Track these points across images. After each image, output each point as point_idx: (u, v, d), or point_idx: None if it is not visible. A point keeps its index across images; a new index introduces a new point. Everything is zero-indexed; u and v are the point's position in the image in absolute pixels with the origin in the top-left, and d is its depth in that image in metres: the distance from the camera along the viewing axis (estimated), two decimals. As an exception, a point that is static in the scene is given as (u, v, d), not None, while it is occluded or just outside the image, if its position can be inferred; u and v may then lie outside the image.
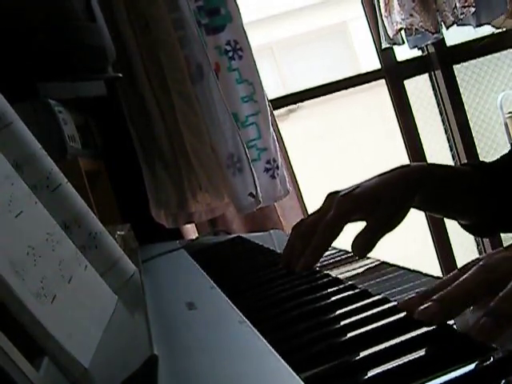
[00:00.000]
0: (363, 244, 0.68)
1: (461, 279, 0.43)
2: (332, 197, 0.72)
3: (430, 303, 0.42)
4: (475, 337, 0.38)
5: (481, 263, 0.43)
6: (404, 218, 0.72)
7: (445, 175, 0.77)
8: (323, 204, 0.73)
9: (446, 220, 0.81)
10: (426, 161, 2.47)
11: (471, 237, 2.54)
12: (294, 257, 0.70)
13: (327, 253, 0.76)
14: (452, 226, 2.38)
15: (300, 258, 0.68)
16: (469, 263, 0.47)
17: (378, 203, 0.70)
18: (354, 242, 0.68)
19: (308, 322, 0.48)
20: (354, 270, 0.67)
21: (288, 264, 0.70)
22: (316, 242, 0.68)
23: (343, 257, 0.76)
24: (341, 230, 0.69)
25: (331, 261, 0.75)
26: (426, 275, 0.59)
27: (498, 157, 0.83)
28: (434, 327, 0.41)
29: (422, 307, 0.41)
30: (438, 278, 0.56)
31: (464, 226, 0.83)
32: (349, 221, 0.70)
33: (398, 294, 0.52)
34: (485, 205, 0.78)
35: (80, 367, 0.40)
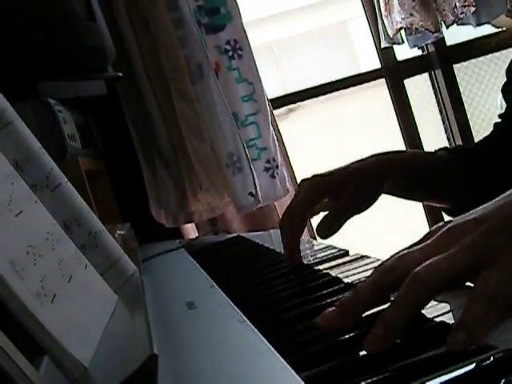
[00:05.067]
0: (326, 227, 0.71)
1: (398, 294, 0.40)
2: (302, 183, 0.75)
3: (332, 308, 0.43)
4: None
5: (414, 271, 0.40)
6: (373, 203, 0.76)
7: (418, 164, 0.80)
8: (296, 191, 0.76)
9: (445, 218, 0.82)
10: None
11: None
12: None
13: (327, 252, 0.76)
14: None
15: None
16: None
17: (345, 189, 0.73)
18: (317, 225, 0.72)
19: (308, 322, 0.48)
20: (354, 269, 0.67)
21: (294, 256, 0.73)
22: (283, 237, 0.72)
23: (343, 256, 0.76)
24: (304, 215, 0.74)
25: (332, 260, 0.75)
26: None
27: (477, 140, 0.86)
28: (435, 325, 0.41)
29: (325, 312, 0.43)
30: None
31: (444, 210, 0.85)
32: (314, 205, 0.74)
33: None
34: (461, 189, 0.80)
35: (80, 366, 0.40)
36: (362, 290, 0.43)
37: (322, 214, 0.77)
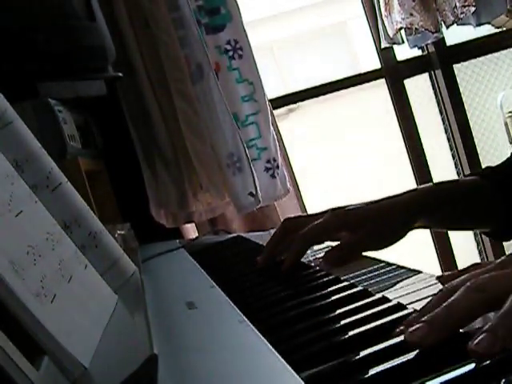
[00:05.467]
0: (332, 259, 0.70)
1: (450, 300, 0.41)
2: (329, 212, 0.74)
3: (420, 325, 0.40)
4: (472, 354, 0.36)
5: (468, 284, 0.42)
6: (397, 240, 0.74)
7: (450, 195, 0.77)
8: (321, 213, 0.76)
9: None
10: (425, 161, 2.47)
11: (471, 237, 2.54)
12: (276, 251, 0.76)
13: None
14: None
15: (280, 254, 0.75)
16: (455, 274, 0.48)
17: (363, 225, 0.72)
18: (325, 254, 0.71)
19: (308, 322, 0.48)
20: (353, 268, 0.67)
21: (269, 256, 0.76)
22: (292, 248, 0.72)
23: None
24: (314, 242, 0.75)
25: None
26: (426, 275, 0.59)
27: (502, 161, 0.84)
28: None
29: (411, 328, 0.40)
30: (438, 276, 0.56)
31: (484, 233, 0.84)
32: (328, 236, 0.74)
33: (398, 293, 0.52)
34: (496, 212, 0.78)
35: (80, 367, 0.40)
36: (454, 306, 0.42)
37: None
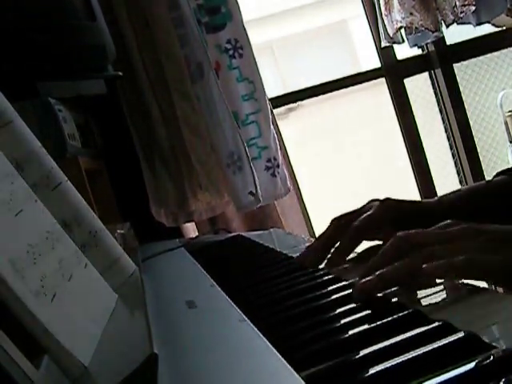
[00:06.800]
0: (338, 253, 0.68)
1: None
2: (372, 202, 0.72)
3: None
4: (356, 293, 0.50)
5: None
6: None
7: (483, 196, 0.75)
8: (363, 205, 0.73)
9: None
10: (425, 160, 2.47)
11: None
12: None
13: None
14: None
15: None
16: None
17: (381, 227, 0.69)
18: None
19: (308, 321, 0.48)
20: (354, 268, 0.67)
21: (318, 257, 0.69)
22: (340, 245, 0.68)
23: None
24: (366, 234, 0.69)
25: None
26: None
27: None
28: (435, 326, 0.41)
29: (363, 280, 0.51)
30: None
31: None
32: (380, 227, 0.69)
33: (398, 293, 0.52)
34: None
35: (80, 366, 0.40)
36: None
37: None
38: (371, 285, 0.51)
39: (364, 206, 0.73)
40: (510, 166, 0.81)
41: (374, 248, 0.70)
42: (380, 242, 0.71)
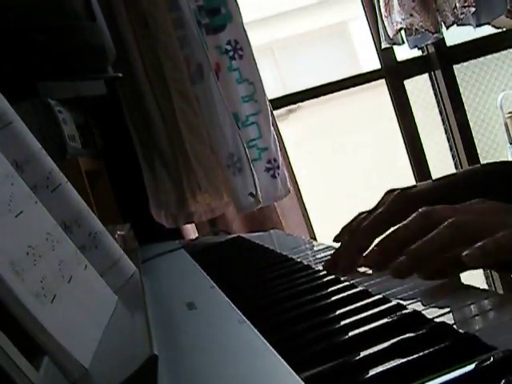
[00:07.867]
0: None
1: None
2: (389, 194, 0.69)
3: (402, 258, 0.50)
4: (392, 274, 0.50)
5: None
6: None
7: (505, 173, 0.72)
8: (379, 200, 0.70)
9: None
10: (425, 161, 2.47)
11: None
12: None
13: (327, 252, 0.76)
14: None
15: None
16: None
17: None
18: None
19: (308, 322, 0.48)
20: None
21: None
22: (350, 244, 0.66)
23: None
24: (384, 229, 0.65)
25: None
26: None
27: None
28: (435, 326, 0.41)
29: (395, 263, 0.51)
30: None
31: None
32: (399, 221, 0.64)
33: (399, 293, 0.52)
34: None
35: (80, 367, 0.40)
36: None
37: None
38: (404, 266, 0.50)
39: (379, 201, 0.70)
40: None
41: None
42: None
